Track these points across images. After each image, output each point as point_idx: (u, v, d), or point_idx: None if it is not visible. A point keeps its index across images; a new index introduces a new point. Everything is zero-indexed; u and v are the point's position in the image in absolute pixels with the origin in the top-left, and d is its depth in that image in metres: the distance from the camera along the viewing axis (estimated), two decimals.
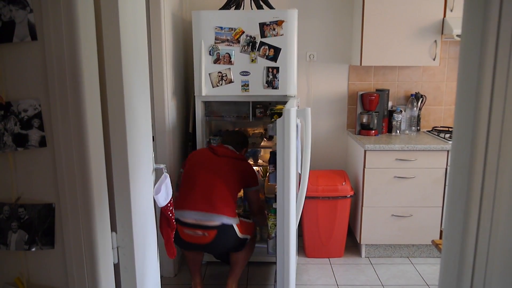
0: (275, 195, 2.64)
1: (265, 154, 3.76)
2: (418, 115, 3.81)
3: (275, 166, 2.44)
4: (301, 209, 2.58)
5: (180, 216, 2.70)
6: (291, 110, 2.29)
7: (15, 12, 1.19)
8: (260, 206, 3.05)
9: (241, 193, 3.19)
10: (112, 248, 1.46)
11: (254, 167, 3.26)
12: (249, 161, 3.49)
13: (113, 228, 1.47)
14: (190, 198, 2.72)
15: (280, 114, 2.45)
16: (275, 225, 2.55)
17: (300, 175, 2.56)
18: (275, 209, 2.50)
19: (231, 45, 3.11)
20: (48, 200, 1.29)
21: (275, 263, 3.19)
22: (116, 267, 1.50)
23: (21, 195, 1.30)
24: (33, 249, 1.31)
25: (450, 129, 3.71)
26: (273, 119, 2.53)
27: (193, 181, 2.78)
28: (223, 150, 2.89)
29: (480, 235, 0.92)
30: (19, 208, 1.29)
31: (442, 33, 3.41)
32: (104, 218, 1.39)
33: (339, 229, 3.50)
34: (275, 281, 2.63)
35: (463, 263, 0.97)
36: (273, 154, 2.50)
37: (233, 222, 2.74)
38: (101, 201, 1.36)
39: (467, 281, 0.97)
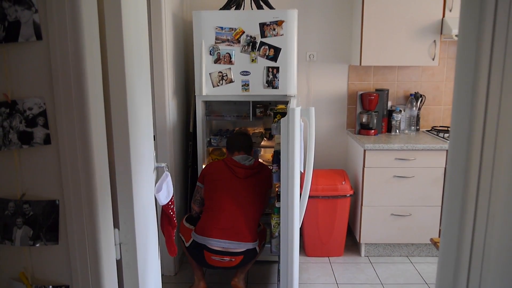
0: (277, 194, 2.66)
1: (265, 153, 3.78)
2: (418, 115, 3.83)
3: (279, 166, 2.46)
4: (305, 208, 2.61)
5: (206, 243, 2.75)
6: (296, 109, 2.31)
7: (20, 13, 1.22)
8: (267, 206, 3.12)
9: None
10: (115, 245, 1.48)
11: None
12: None
13: (116, 224, 1.50)
14: (217, 227, 2.76)
15: (282, 114, 2.47)
16: (279, 224, 2.57)
17: (303, 174, 2.59)
18: (278, 208, 2.52)
19: (231, 45, 3.13)
20: (53, 196, 1.32)
21: (276, 262, 3.22)
22: (119, 263, 1.52)
23: (26, 192, 1.32)
24: (38, 245, 1.33)
25: (449, 129, 3.72)
26: (276, 119, 2.55)
27: (219, 208, 2.80)
28: (243, 172, 2.88)
29: (476, 232, 0.94)
30: (24, 204, 1.31)
31: (441, 33, 3.44)
32: (107, 214, 1.41)
33: (338, 228, 3.52)
34: (279, 280, 2.65)
35: (459, 259, 0.99)
36: (277, 154, 2.52)
37: (256, 245, 2.85)
38: (104, 198, 1.38)
39: (463, 277, 0.99)
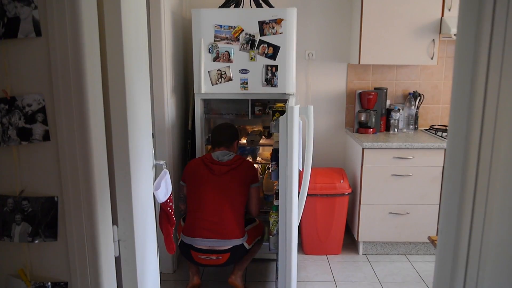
0: (275, 192, 2.67)
1: (263, 151, 3.79)
2: (416, 114, 3.84)
3: (277, 164, 2.46)
4: (303, 206, 2.62)
5: (193, 243, 2.77)
6: (295, 108, 2.31)
7: (20, 9, 1.22)
8: (257, 204, 3.04)
9: None
10: (114, 241, 1.48)
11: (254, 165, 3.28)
12: (247, 158, 3.51)
13: (115, 221, 1.50)
14: (202, 226, 2.77)
15: (281, 112, 2.47)
16: (277, 222, 2.57)
17: (301, 172, 2.59)
18: (277, 206, 2.53)
19: (230, 43, 3.13)
20: (51, 193, 1.32)
21: (275, 259, 3.23)
22: (117, 260, 1.52)
23: (24, 188, 1.32)
24: (36, 241, 1.33)
25: (448, 128, 3.73)
26: (274, 117, 2.55)
27: (202, 207, 2.81)
28: (219, 169, 2.86)
29: (474, 230, 0.95)
30: (23, 201, 1.31)
31: (440, 32, 3.44)
32: (106, 211, 1.42)
33: (337, 226, 3.52)
34: (277, 278, 2.66)
35: (457, 257, 0.99)
36: (276, 152, 2.52)
37: (243, 240, 2.83)
38: (103, 195, 1.38)
39: (461, 275, 1.00)
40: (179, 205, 3.08)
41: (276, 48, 3.11)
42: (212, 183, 2.84)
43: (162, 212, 2.12)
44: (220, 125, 3.16)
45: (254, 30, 3.10)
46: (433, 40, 3.45)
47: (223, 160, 2.90)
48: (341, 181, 3.48)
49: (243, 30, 3.10)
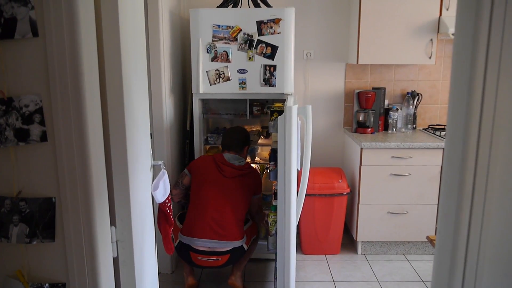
0: (274, 192, 2.66)
1: (262, 151, 3.78)
2: (414, 113, 3.84)
3: (276, 164, 2.46)
4: (302, 206, 2.61)
5: (192, 244, 2.75)
6: (293, 107, 2.31)
7: (17, 9, 1.21)
8: (259, 207, 3.09)
9: None
10: (112, 242, 1.48)
11: (252, 165, 3.27)
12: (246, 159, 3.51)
13: (113, 222, 1.50)
14: (202, 226, 2.75)
15: (279, 112, 2.47)
16: (276, 222, 2.57)
17: (299, 172, 2.59)
18: (275, 206, 2.52)
19: (228, 43, 3.12)
20: (49, 194, 1.31)
21: (273, 259, 3.22)
22: (115, 260, 1.52)
23: (22, 189, 1.32)
24: (34, 242, 1.33)
25: (446, 127, 3.73)
26: (273, 117, 2.55)
27: (204, 205, 2.79)
28: (230, 171, 2.86)
29: (472, 230, 0.95)
30: (20, 201, 1.31)
31: (438, 32, 3.44)
32: (104, 212, 1.41)
33: (335, 226, 3.52)
34: (275, 278, 2.66)
35: (455, 257, 0.99)
36: (274, 152, 2.52)
37: (243, 242, 2.83)
38: (100, 196, 1.38)
39: (459, 274, 1.00)
40: (171, 190, 2.99)
41: (274, 48, 3.11)
42: (219, 183, 2.83)
43: (160, 213, 2.11)
44: (232, 129, 3.17)
45: (252, 30, 3.09)
46: (431, 39, 3.45)
47: (235, 164, 2.90)
48: (340, 181, 3.48)
49: (241, 30, 3.10)
